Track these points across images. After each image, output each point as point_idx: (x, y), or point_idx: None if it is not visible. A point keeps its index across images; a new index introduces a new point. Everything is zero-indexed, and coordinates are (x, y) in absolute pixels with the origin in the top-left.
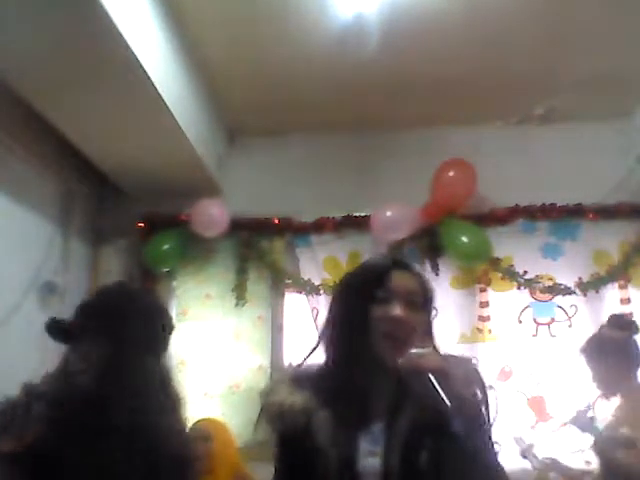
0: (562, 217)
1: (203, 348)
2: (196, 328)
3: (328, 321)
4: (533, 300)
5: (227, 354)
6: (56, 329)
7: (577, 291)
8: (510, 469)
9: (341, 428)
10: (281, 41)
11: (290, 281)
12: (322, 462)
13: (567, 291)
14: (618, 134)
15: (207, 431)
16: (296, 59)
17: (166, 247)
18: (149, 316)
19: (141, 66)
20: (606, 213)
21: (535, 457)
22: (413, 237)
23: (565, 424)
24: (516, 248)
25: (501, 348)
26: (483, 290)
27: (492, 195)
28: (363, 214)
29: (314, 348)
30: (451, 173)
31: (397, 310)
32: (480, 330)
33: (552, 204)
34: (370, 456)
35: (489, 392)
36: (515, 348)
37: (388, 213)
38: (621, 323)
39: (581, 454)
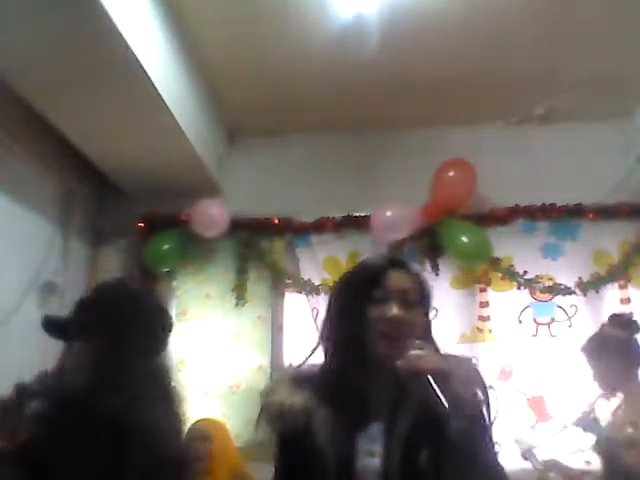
0: (562, 217)
1: (203, 348)
2: (196, 328)
3: (326, 322)
4: (533, 300)
5: (227, 354)
6: (51, 326)
7: (577, 291)
8: (510, 469)
9: (341, 428)
10: (281, 41)
11: (290, 281)
12: (321, 462)
13: (567, 291)
14: (618, 134)
15: (206, 431)
16: (296, 59)
17: (166, 247)
18: (147, 314)
19: (141, 66)
20: (606, 213)
21: (536, 459)
22: (413, 237)
23: (569, 426)
24: (516, 248)
25: (501, 348)
26: (483, 290)
27: (492, 195)
28: (363, 214)
29: (314, 349)
30: (451, 173)
31: (393, 310)
32: (480, 330)
33: (552, 204)
34: (369, 456)
35: (490, 392)
36: (515, 348)
37: (388, 213)
38: (622, 322)
39: (581, 454)
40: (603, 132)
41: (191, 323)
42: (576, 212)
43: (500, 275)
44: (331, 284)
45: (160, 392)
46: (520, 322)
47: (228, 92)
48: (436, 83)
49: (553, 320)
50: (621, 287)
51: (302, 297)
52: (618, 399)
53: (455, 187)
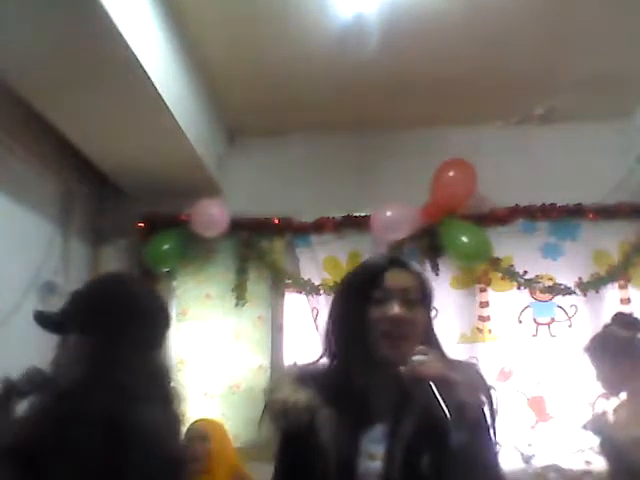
0: (562, 217)
1: (203, 348)
2: (196, 328)
3: (329, 322)
4: (533, 300)
5: (227, 354)
6: (43, 320)
7: (577, 291)
8: (510, 469)
9: (344, 427)
10: (281, 41)
11: (290, 281)
12: (323, 462)
13: (567, 291)
14: (618, 134)
15: (205, 431)
16: (296, 59)
17: (166, 247)
18: (144, 309)
19: (141, 66)
20: (606, 213)
21: (535, 465)
22: (413, 237)
23: (579, 428)
24: (516, 248)
25: (501, 348)
26: (483, 290)
27: (492, 195)
28: (363, 214)
29: (322, 355)
30: (451, 173)
31: (394, 310)
32: (480, 330)
33: (552, 204)
34: (371, 459)
35: (492, 394)
36: (515, 348)
37: (388, 213)
38: (626, 322)
39: (581, 454)
40: (603, 132)
41: (191, 323)
42: (576, 212)
43: (500, 275)
44: (331, 284)
45: (159, 392)
46: (520, 322)
47: (228, 92)
48: (436, 83)
49: (553, 320)
50: (621, 287)
51: (302, 297)
52: (618, 399)
53: (455, 187)
